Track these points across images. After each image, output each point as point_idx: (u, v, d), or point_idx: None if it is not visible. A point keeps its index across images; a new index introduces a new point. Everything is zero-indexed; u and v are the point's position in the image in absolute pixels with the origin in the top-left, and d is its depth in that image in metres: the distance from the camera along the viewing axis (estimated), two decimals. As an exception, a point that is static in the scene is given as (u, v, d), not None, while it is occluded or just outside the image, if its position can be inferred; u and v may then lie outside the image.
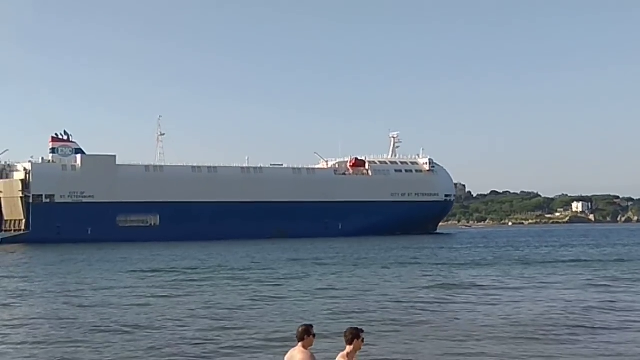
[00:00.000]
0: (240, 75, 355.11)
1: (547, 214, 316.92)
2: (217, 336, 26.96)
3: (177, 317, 32.18)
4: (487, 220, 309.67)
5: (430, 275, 52.76)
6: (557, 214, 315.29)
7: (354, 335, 9.96)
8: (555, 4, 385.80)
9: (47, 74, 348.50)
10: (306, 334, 10.20)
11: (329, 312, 32.95)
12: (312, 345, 10.24)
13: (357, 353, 10.07)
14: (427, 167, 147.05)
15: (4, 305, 37.66)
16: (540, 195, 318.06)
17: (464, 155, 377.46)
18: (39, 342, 26.00)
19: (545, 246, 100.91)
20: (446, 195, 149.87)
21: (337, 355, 10.13)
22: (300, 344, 10.20)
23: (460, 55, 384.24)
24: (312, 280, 50.68)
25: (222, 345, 25.10)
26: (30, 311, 35.59)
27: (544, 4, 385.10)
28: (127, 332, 28.25)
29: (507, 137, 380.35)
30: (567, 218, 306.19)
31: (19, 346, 25.44)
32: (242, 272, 58.13)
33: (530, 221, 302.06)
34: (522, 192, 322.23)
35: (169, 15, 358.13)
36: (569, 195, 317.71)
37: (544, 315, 30.61)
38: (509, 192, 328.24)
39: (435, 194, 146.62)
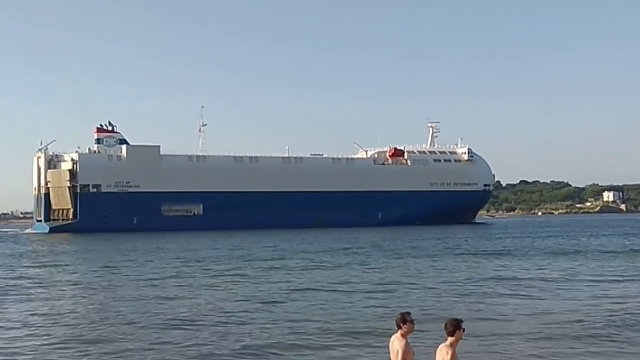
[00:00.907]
0: (279, 64, 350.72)
1: (577, 203, 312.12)
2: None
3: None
4: (517, 210, 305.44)
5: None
6: (588, 204, 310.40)
7: (455, 327, 10.17)
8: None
9: (91, 64, 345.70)
10: (402, 322, 10.43)
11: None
12: (411, 332, 10.48)
13: (459, 343, 10.23)
14: (465, 157, 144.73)
15: (50, 295, 37.02)
16: (570, 185, 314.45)
17: (494, 144, 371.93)
18: (82, 333, 25.46)
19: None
20: (485, 185, 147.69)
21: (438, 346, 10.34)
22: (399, 331, 10.49)
23: (494, 40, 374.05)
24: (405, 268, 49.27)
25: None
26: (78, 301, 34.98)
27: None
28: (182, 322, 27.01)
29: (537, 125, 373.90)
30: (598, 208, 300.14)
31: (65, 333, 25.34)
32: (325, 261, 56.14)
33: (560, 211, 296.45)
34: (551, 181, 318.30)
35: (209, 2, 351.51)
36: (600, 184, 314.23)
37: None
38: (539, 182, 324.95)
39: (474, 184, 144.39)
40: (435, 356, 10.37)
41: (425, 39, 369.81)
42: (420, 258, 58.65)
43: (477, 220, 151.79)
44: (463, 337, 10.39)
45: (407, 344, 10.36)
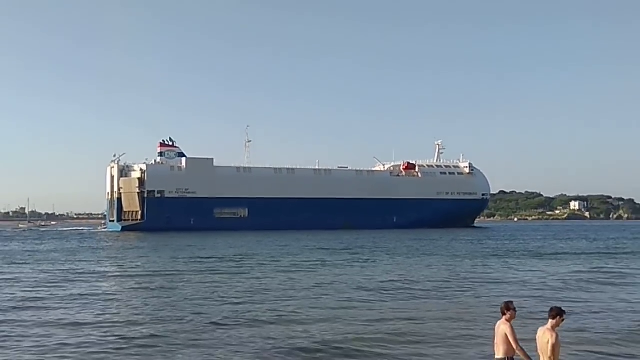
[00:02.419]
0: (312, 89, 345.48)
1: (548, 211, 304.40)
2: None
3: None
4: (496, 216, 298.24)
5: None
6: (557, 212, 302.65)
7: (558, 313, 9.84)
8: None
9: (154, 88, 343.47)
10: (507, 309, 10.20)
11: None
12: (514, 318, 10.20)
13: (559, 327, 9.83)
14: (467, 170, 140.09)
15: (123, 281, 36.99)
16: (542, 195, 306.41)
17: (478, 159, 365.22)
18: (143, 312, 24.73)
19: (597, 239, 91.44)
20: (483, 194, 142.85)
21: (540, 328, 9.98)
22: (503, 317, 10.21)
23: (477, 65, 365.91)
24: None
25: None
26: (151, 282, 35.30)
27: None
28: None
29: (515, 142, 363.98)
30: (566, 215, 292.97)
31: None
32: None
33: (533, 217, 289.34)
34: (526, 192, 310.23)
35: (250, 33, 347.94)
36: (567, 195, 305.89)
37: None
38: (515, 192, 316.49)
39: (474, 193, 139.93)
40: (537, 335, 9.96)
41: (437, 63, 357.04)
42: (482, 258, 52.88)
43: (475, 225, 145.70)
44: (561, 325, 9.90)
45: (511, 327, 10.11)
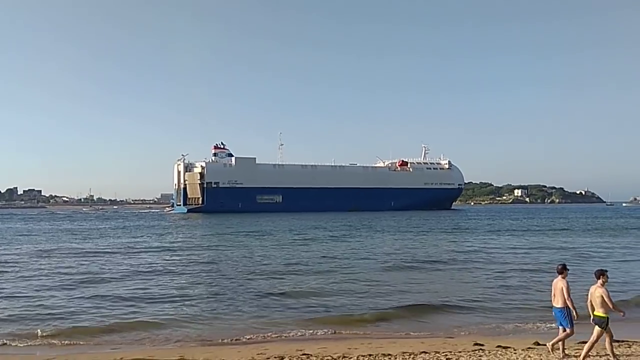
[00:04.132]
0: (330, 104, 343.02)
1: (497, 197, 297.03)
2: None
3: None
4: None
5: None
6: (504, 197, 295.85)
7: (601, 273, 9.43)
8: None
9: (211, 107, 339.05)
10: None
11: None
12: (606, 282, 9.37)
13: (605, 284, 9.35)
14: (447, 166, 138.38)
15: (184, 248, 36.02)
16: (492, 185, 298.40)
17: (452, 157, 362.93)
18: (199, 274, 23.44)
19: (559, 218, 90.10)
20: (459, 184, 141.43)
21: (592, 286, 9.54)
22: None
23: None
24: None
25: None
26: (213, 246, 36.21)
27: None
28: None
29: (474, 144, 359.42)
30: (511, 200, 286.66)
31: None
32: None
33: (485, 202, 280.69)
34: (480, 182, 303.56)
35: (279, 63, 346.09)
36: (512, 184, 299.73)
37: None
38: (472, 182, 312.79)
39: (452, 184, 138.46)
40: (589, 293, 9.52)
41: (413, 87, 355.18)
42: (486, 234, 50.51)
43: (452, 207, 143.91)
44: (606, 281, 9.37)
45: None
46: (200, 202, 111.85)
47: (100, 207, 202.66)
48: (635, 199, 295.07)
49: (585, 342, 9.77)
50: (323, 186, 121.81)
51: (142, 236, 47.98)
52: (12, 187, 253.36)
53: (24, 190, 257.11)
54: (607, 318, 9.39)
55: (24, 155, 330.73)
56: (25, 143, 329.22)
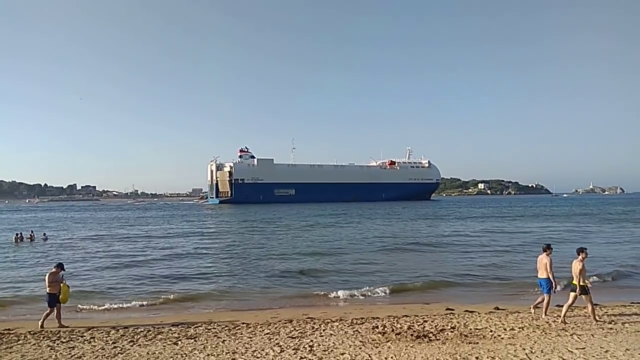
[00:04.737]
0: (333, 113, 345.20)
1: (464, 190, 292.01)
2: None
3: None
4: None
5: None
6: (470, 190, 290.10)
7: (581, 250, 9.38)
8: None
9: (236, 115, 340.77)
10: (549, 248, 9.84)
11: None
12: (585, 257, 9.31)
13: (584, 260, 9.28)
14: (427, 165, 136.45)
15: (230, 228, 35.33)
16: (460, 179, 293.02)
17: (429, 157, 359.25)
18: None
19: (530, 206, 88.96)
20: (436, 179, 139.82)
21: (574, 261, 9.33)
22: (544, 253, 9.77)
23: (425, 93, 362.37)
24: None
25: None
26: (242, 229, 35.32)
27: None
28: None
29: (445, 146, 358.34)
30: (475, 192, 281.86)
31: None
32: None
33: (454, 194, 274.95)
34: (450, 177, 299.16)
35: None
36: (477, 179, 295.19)
37: None
38: (444, 178, 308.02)
39: (431, 179, 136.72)
40: (572, 265, 9.34)
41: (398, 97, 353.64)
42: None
43: (431, 199, 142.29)
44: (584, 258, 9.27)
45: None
46: (229, 195, 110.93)
47: (141, 200, 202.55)
48: (577, 191, 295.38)
49: (562, 305, 9.80)
50: (328, 181, 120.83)
51: (193, 221, 48.03)
52: (72, 184, 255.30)
53: (81, 186, 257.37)
54: (584, 286, 9.30)
55: (81, 156, 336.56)
56: (82, 146, 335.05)
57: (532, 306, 10.58)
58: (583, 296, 9.38)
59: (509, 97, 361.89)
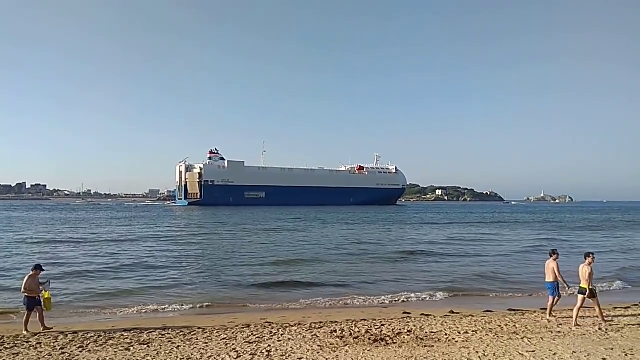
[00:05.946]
0: (309, 118, 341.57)
1: (423, 195, 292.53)
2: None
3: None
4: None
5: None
6: (428, 196, 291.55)
7: (588, 254, 9.37)
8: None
9: (205, 116, 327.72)
10: (555, 253, 9.91)
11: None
12: (592, 262, 9.35)
13: (592, 264, 9.32)
14: (394, 171, 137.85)
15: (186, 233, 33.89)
16: (419, 185, 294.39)
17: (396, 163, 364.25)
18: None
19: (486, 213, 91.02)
20: (403, 185, 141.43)
21: (580, 265, 9.46)
22: (551, 258, 9.87)
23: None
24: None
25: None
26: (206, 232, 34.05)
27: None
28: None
29: (407, 154, 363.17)
30: (434, 198, 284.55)
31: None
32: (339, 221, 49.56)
33: (413, 200, 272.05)
34: (410, 183, 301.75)
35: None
36: (435, 185, 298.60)
37: None
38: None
39: (398, 184, 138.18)
40: (579, 269, 9.46)
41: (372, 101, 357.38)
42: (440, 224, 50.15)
43: (397, 204, 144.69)
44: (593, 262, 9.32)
45: (557, 264, 9.79)
46: (198, 196, 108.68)
47: (90, 200, 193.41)
48: (528, 199, 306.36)
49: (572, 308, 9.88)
50: (298, 185, 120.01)
51: (162, 224, 46.49)
52: (21, 182, 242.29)
53: (31, 185, 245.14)
54: (592, 290, 9.44)
55: (30, 153, 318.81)
56: (30, 143, 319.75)
57: (547, 312, 10.47)
58: (591, 299, 9.53)
59: (467, 105, 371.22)
